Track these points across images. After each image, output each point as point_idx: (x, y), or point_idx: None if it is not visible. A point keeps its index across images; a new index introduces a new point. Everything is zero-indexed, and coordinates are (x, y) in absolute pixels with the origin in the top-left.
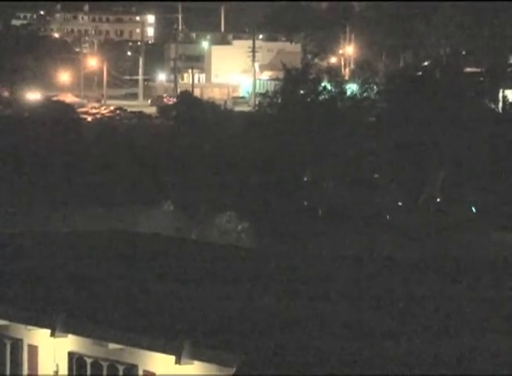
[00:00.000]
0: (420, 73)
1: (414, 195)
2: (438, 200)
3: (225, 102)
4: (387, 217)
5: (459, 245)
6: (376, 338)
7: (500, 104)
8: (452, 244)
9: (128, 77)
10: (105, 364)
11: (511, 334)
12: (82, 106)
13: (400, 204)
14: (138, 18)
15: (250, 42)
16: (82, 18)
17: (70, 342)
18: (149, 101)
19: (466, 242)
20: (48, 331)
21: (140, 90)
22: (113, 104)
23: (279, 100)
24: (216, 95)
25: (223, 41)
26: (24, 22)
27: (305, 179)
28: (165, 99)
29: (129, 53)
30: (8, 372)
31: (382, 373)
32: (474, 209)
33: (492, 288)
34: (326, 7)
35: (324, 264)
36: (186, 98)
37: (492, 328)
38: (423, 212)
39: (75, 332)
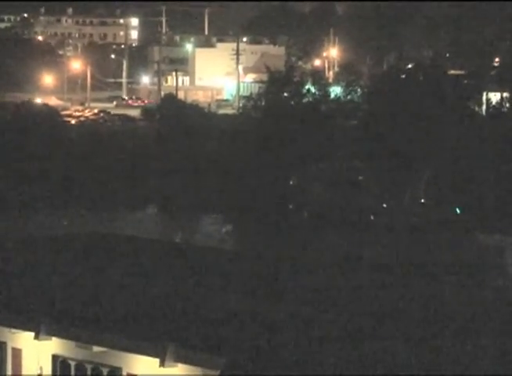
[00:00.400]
0: (404, 75)
1: (398, 197)
2: (423, 201)
3: (209, 105)
4: (372, 218)
5: (441, 246)
6: (357, 340)
7: (484, 107)
8: (434, 246)
9: (111, 80)
10: (89, 367)
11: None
12: (66, 109)
13: (384, 205)
14: (121, 21)
15: (234, 45)
16: (66, 21)
17: (54, 345)
18: (114, 103)
19: (449, 243)
20: (32, 334)
21: (124, 93)
22: (96, 107)
23: (263, 103)
24: (200, 97)
25: (207, 43)
26: (8, 25)
27: (291, 182)
28: (130, 101)
29: (113, 56)
30: None
31: (361, 373)
32: (458, 211)
33: (470, 289)
34: (310, 10)
35: (307, 267)
36: (170, 101)
37: (461, 330)
38: (407, 214)
39: (59, 335)
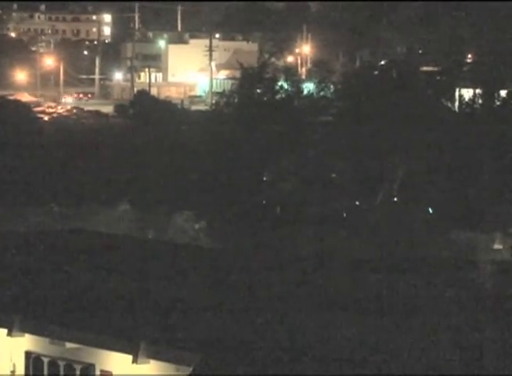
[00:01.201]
0: (377, 72)
1: (371, 194)
2: (395, 199)
3: (182, 101)
4: (344, 215)
5: (413, 244)
6: (328, 334)
7: (457, 103)
8: (406, 243)
9: (84, 77)
10: (62, 364)
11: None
12: (39, 105)
13: (357, 203)
14: (94, 17)
15: (206, 41)
16: (39, 17)
17: (27, 342)
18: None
19: (421, 241)
20: (4, 331)
21: (96, 89)
22: (69, 103)
23: (236, 99)
24: (173, 94)
25: (180, 40)
26: None
27: (264, 179)
28: (79, 95)
29: (86, 52)
30: None
31: (336, 370)
32: (430, 209)
33: (438, 287)
34: (283, 7)
35: (278, 263)
36: (143, 97)
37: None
38: (379, 211)
39: (32, 331)
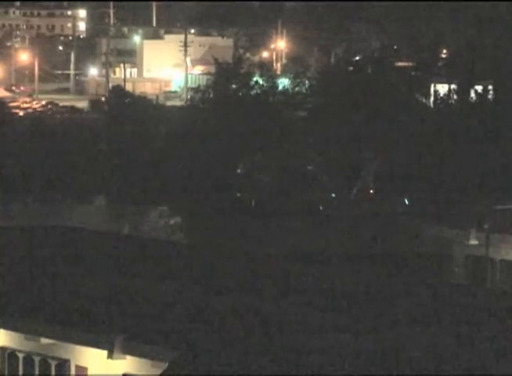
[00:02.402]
0: (352, 67)
1: (347, 187)
2: (371, 191)
3: (157, 96)
4: (321, 208)
5: (387, 238)
6: (303, 333)
7: (432, 99)
8: (380, 237)
9: (59, 72)
10: (37, 359)
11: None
12: (14, 100)
13: (333, 195)
14: (69, 12)
15: (182, 37)
16: (14, 12)
17: (1, 337)
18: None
19: (395, 234)
20: None
21: (71, 85)
22: (45, 98)
23: (211, 95)
24: (148, 89)
25: (155, 35)
26: None
27: (238, 171)
28: (14, 88)
29: (61, 48)
30: None
31: (309, 369)
32: (406, 201)
33: (410, 281)
34: (259, 2)
35: (252, 258)
36: (118, 92)
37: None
38: (355, 204)
39: (7, 327)
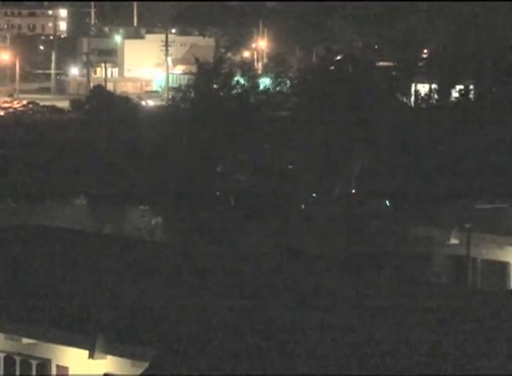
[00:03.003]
0: (333, 67)
1: (329, 187)
2: (353, 191)
3: (138, 96)
4: (302, 207)
5: (367, 237)
6: (282, 332)
7: (412, 98)
8: (360, 236)
9: (40, 72)
10: (18, 359)
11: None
12: None
13: (314, 195)
14: (50, 12)
15: (163, 36)
16: None
17: None
18: None
19: (375, 234)
20: None
21: (53, 84)
22: (25, 98)
23: (192, 94)
24: (129, 89)
25: (136, 35)
26: None
27: (218, 170)
28: None
29: (42, 47)
30: None
31: (295, 368)
32: (387, 203)
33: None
34: (240, 2)
35: (233, 258)
36: (99, 92)
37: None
38: (336, 204)
39: None
